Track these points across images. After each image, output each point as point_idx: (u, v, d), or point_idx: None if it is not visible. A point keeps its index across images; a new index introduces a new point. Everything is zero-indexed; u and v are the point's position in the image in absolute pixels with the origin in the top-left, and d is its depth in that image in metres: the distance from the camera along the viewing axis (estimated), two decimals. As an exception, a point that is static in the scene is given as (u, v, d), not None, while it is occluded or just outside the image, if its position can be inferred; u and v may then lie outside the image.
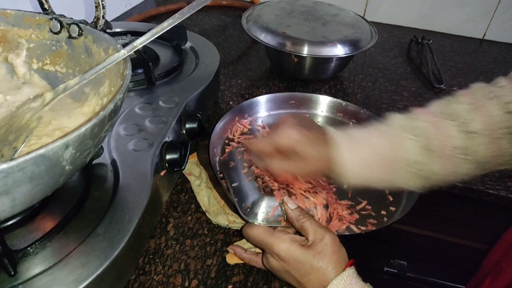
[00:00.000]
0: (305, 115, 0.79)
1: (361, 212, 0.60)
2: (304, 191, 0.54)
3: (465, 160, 0.47)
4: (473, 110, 0.47)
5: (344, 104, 0.79)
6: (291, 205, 0.50)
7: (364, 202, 0.62)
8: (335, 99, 0.80)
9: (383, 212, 0.61)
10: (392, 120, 0.51)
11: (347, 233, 0.56)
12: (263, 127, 0.76)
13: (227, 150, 0.68)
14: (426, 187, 0.50)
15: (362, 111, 0.77)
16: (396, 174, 0.49)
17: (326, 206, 0.54)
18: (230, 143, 0.70)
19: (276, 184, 0.54)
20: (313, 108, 0.81)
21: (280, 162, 0.52)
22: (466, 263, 0.72)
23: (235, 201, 0.53)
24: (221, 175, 0.61)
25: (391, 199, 0.63)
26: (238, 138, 0.72)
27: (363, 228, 0.57)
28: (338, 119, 0.80)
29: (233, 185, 0.55)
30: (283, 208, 0.51)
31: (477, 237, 0.84)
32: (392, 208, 0.61)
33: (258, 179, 0.54)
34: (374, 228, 0.57)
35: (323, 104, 0.81)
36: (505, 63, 1.13)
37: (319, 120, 0.80)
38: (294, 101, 0.80)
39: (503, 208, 0.72)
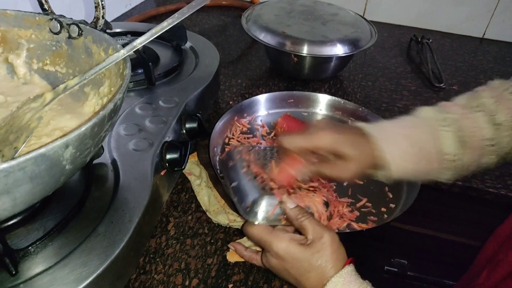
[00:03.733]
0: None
1: (362, 210, 0.60)
2: (304, 189, 0.54)
3: (492, 151, 0.48)
4: (495, 102, 0.49)
5: (342, 102, 0.79)
6: (290, 204, 0.50)
7: (364, 200, 0.62)
8: (333, 97, 0.80)
9: (383, 209, 0.61)
10: (422, 113, 0.51)
11: (348, 231, 0.56)
12: (262, 126, 0.76)
13: (226, 149, 0.68)
14: (454, 178, 0.51)
15: (360, 109, 0.78)
16: (431, 165, 0.50)
17: (327, 204, 0.54)
18: (230, 142, 0.71)
19: (275, 183, 0.54)
20: (312, 107, 0.81)
21: (325, 167, 0.50)
22: (466, 262, 0.72)
23: (235, 200, 0.53)
24: (222, 175, 0.61)
25: (391, 196, 0.63)
26: (238, 137, 0.72)
27: (363, 225, 0.58)
28: (337, 117, 0.80)
29: (232, 184, 0.55)
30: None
31: (478, 236, 0.84)
32: (392, 205, 0.62)
33: (258, 178, 0.54)
34: (375, 225, 0.58)
35: (322, 103, 0.81)
36: (505, 61, 1.13)
37: (318, 119, 0.80)
38: (292, 100, 0.80)
39: (503, 206, 0.72)
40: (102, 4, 0.53)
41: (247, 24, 0.94)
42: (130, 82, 0.70)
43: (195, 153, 0.68)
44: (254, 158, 0.59)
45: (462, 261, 0.73)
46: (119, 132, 0.60)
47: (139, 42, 0.47)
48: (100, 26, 0.53)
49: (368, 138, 0.49)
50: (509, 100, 0.49)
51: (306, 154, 0.51)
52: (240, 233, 0.57)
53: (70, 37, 0.54)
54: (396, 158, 0.49)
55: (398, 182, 0.66)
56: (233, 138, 0.72)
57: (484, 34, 1.25)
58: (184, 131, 0.67)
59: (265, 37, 0.89)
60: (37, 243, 0.43)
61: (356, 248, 0.50)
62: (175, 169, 0.59)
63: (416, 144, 0.49)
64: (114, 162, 0.55)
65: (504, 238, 0.56)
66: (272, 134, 0.74)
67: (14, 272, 0.40)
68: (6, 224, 0.45)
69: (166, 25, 0.47)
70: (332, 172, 0.50)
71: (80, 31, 0.53)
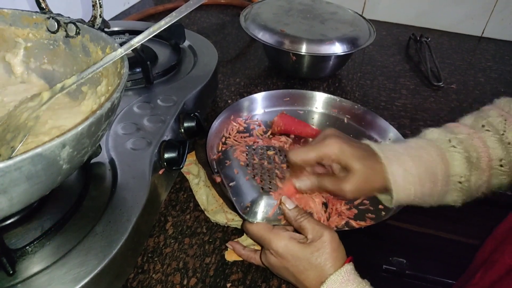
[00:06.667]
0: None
1: (359, 207, 0.60)
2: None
3: (502, 171, 0.47)
4: (503, 121, 0.47)
5: (338, 100, 0.80)
6: (289, 204, 0.50)
7: (362, 197, 0.62)
8: (329, 95, 0.80)
9: (381, 207, 0.61)
10: (428, 135, 0.50)
11: (347, 229, 0.56)
12: (259, 125, 0.76)
13: (223, 149, 0.68)
14: (462, 200, 0.50)
15: (356, 106, 0.78)
16: (436, 187, 0.49)
17: (325, 204, 0.54)
18: (227, 141, 0.70)
19: (273, 182, 0.54)
20: (308, 105, 0.81)
21: (328, 180, 0.49)
22: (465, 260, 0.72)
23: (234, 200, 0.53)
24: (219, 174, 0.61)
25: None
26: (234, 136, 0.72)
27: (362, 223, 0.57)
28: (333, 115, 0.80)
29: (230, 184, 0.55)
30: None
31: (476, 234, 0.84)
32: (390, 203, 0.62)
33: (256, 177, 0.54)
34: (373, 223, 0.58)
35: (318, 101, 0.81)
36: (504, 60, 1.13)
37: (314, 117, 0.80)
38: (289, 98, 0.80)
39: (502, 205, 0.72)
40: (99, 3, 0.52)
41: (245, 22, 0.93)
42: (128, 81, 0.70)
43: (193, 152, 0.68)
44: (250, 158, 0.59)
45: (460, 260, 0.73)
46: (117, 131, 0.60)
47: (137, 41, 0.47)
48: (97, 24, 0.53)
49: (375, 156, 0.48)
50: None
51: (313, 165, 0.51)
52: (238, 232, 0.57)
53: (67, 36, 0.53)
54: (398, 179, 0.47)
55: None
56: (230, 138, 0.71)
57: (482, 32, 1.25)
58: (182, 130, 0.66)
59: (263, 36, 0.89)
60: (35, 242, 0.43)
61: (355, 247, 0.50)
62: (173, 168, 0.59)
63: (421, 165, 0.48)
64: (112, 161, 0.55)
65: (501, 239, 0.56)
66: (269, 133, 0.74)
67: (11, 272, 0.40)
68: (3, 224, 0.45)
69: (164, 23, 0.47)
70: (334, 184, 0.50)
71: (78, 30, 0.52)
